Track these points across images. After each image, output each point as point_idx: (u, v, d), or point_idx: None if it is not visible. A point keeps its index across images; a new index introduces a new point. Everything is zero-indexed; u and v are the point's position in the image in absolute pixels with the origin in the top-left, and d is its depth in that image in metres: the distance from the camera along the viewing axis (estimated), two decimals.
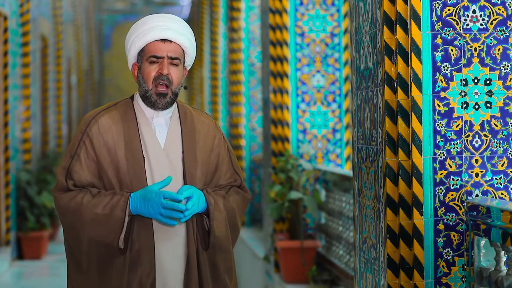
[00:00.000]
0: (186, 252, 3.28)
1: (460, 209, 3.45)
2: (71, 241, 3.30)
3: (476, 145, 3.46)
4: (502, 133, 3.47)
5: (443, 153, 3.44)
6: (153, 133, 3.32)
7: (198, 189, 3.29)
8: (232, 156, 3.48)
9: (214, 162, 3.41)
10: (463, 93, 3.45)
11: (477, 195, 3.46)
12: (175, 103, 3.40)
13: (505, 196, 3.47)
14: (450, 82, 3.44)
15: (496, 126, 3.46)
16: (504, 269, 3.29)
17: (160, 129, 3.34)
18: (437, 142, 3.44)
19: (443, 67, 3.44)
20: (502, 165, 3.47)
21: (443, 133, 3.44)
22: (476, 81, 3.45)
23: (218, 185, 3.42)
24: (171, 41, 3.28)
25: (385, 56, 3.47)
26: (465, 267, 3.45)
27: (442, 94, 3.44)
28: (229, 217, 3.36)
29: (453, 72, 3.44)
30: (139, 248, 3.23)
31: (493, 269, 3.35)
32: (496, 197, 3.46)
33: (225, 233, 3.34)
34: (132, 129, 3.31)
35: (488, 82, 3.45)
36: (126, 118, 3.32)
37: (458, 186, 3.45)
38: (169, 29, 3.29)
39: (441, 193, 3.44)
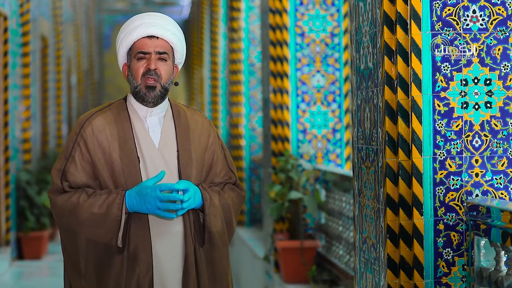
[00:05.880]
0: (184, 249, 3.27)
1: (460, 209, 3.45)
2: (67, 243, 3.29)
3: (476, 145, 3.46)
4: (502, 133, 3.47)
5: (443, 153, 3.44)
6: (147, 133, 3.32)
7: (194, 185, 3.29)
8: (227, 154, 3.49)
9: (209, 161, 3.41)
10: (463, 93, 3.45)
11: (477, 195, 3.45)
12: (168, 102, 3.41)
13: (505, 196, 3.47)
14: (450, 82, 3.44)
15: (496, 126, 3.46)
16: (504, 269, 3.29)
17: (153, 128, 3.34)
18: (437, 142, 3.43)
19: (443, 67, 3.43)
20: (502, 165, 3.47)
21: (443, 133, 3.44)
22: (476, 81, 3.45)
23: (213, 183, 3.42)
24: (157, 37, 3.31)
25: (385, 56, 3.47)
26: (465, 267, 3.45)
27: (442, 94, 3.44)
28: (224, 214, 3.36)
29: (453, 72, 3.44)
30: (136, 247, 3.22)
31: (493, 269, 3.34)
32: (496, 197, 3.46)
33: (220, 229, 3.33)
34: (126, 130, 3.31)
35: (488, 82, 3.45)
36: (119, 119, 3.32)
37: (458, 186, 3.45)
38: (155, 25, 3.32)
39: (441, 193, 3.44)
